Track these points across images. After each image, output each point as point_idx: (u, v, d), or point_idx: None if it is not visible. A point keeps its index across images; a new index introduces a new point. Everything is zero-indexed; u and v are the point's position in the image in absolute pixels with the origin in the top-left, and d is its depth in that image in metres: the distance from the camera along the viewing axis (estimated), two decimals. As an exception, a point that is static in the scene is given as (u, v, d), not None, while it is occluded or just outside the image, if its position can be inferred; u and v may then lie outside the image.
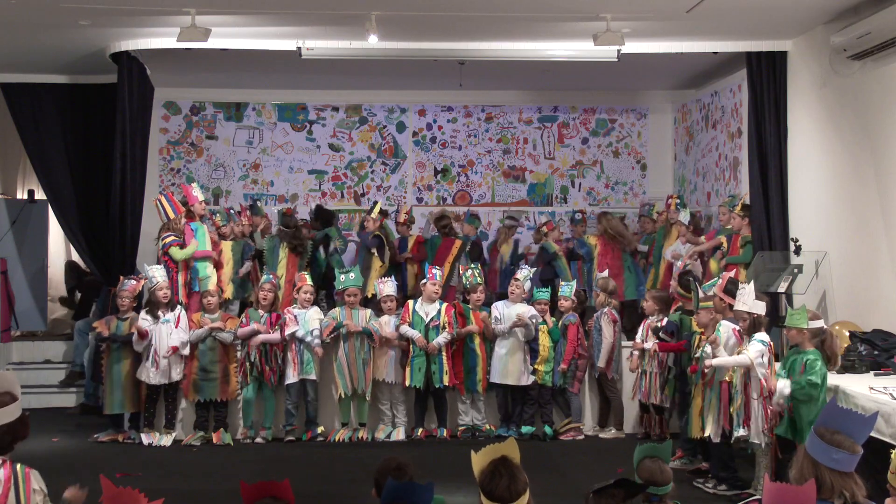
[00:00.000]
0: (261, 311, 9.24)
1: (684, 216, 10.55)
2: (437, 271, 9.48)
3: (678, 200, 10.73)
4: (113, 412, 9.14)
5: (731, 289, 7.28)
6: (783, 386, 6.45)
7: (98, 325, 9.26)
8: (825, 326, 6.69)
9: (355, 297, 9.31)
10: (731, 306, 7.22)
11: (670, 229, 10.68)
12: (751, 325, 6.90)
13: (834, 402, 3.73)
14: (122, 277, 9.38)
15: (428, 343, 9.11)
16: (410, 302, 9.40)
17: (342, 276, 9.41)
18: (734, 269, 9.06)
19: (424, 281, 9.48)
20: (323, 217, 11.25)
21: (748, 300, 6.91)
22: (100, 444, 9.02)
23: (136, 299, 9.33)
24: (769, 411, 6.72)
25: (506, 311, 9.27)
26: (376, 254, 10.47)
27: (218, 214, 10.66)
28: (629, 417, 9.35)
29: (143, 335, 8.89)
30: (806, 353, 6.43)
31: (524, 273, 9.53)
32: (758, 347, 6.73)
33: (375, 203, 11.06)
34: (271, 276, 9.56)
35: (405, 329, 9.19)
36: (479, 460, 3.31)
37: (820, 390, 6.32)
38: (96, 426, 9.32)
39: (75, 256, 12.22)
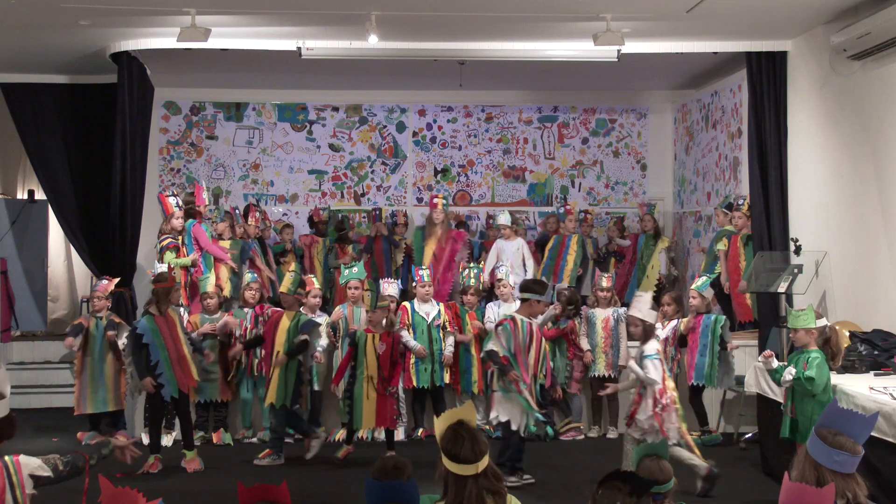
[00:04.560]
0: (245, 309, 9.25)
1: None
2: (423, 272, 9.46)
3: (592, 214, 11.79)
4: (97, 411, 9.08)
5: None
6: (789, 372, 6.46)
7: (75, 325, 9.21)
8: (828, 323, 6.69)
9: (356, 291, 9.27)
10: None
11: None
12: (643, 332, 7.02)
13: (835, 404, 3.71)
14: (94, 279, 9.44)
15: (430, 352, 9.13)
16: (407, 304, 9.38)
17: (346, 271, 9.43)
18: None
19: (414, 284, 9.51)
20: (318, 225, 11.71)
21: (643, 307, 7.07)
22: (91, 446, 9.00)
23: (110, 298, 9.30)
24: (675, 414, 6.90)
25: (499, 312, 9.25)
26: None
27: (227, 213, 10.77)
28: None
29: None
30: (809, 352, 6.41)
31: (503, 270, 9.53)
32: (653, 369, 6.87)
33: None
34: (256, 275, 9.61)
35: (406, 338, 9.13)
36: (439, 425, 3.44)
37: (815, 385, 6.28)
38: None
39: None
